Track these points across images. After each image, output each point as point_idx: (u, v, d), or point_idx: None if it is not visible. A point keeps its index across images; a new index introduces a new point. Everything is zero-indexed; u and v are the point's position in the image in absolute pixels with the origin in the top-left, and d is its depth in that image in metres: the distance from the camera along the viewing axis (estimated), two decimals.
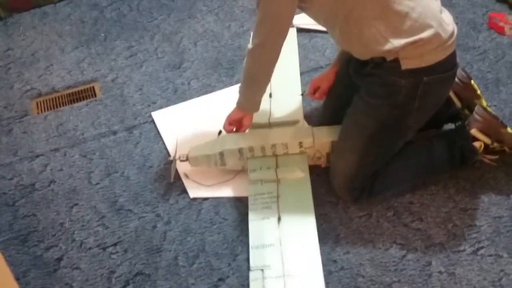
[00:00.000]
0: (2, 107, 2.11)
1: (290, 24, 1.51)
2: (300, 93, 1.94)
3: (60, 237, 1.66)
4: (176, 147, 1.72)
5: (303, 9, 1.55)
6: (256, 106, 1.69)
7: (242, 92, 1.67)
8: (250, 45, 1.54)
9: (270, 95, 1.90)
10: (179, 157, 1.70)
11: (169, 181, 1.73)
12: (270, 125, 1.80)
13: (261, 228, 1.54)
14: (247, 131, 1.75)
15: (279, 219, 1.55)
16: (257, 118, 1.78)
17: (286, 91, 1.94)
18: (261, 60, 1.57)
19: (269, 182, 1.64)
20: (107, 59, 2.28)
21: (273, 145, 1.67)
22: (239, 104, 1.69)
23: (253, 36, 1.53)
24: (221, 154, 1.67)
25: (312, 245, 1.49)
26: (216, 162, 1.69)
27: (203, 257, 1.57)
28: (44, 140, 1.97)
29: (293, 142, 1.67)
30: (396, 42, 1.41)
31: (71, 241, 1.64)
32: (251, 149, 1.67)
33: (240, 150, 1.67)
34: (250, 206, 1.59)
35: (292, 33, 2.16)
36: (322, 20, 1.58)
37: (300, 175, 1.64)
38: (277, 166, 1.67)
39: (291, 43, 2.17)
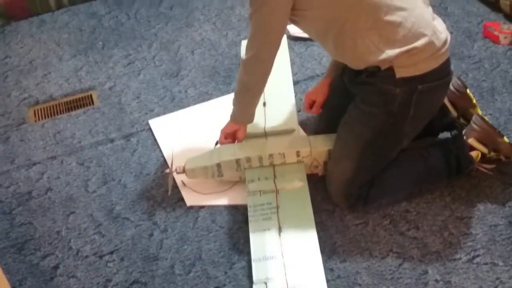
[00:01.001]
0: (0, 115, 2.12)
1: (283, 36, 1.53)
2: (294, 101, 1.95)
3: (57, 245, 1.65)
4: (172, 160, 1.72)
5: (295, 23, 1.56)
6: (250, 117, 1.71)
7: (236, 103, 1.68)
8: (243, 56, 1.56)
9: (264, 104, 1.90)
10: (176, 169, 1.70)
11: (167, 193, 1.72)
12: (266, 134, 1.81)
13: (262, 240, 1.53)
14: (243, 141, 1.76)
15: (280, 230, 1.54)
16: (252, 128, 1.78)
17: (280, 100, 1.95)
18: (255, 71, 1.58)
19: (268, 192, 1.63)
20: (105, 67, 2.29)
21: (271, 155, 1.68)
22: (233, 116, 1.71)
23: (246, 47, 1.54)
24: (218, 165, 1.67)
25: (314, 255, 1.49)
26: (213, 173, 1.69)
27: (199, 265, 1.57)
28: (41, 148, 1.97)
29: (291, 151, 1.68)
30: (390, 52, 1.42)
31: (68, 249, 1.64)
32: (248, 159, 1.68)
33: (237, 161, 1.67)
34: (250, 218, 1.58)
35: (283, 41, 2.17)
36: (314, 33, 1.60)
37: (298, 185, 1.65)
38: (275, 176, 1.67)
39: (283, 51, 2.17)
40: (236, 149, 1.71)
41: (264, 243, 1.52)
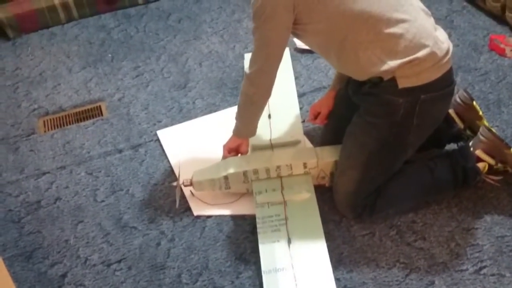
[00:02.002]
0: (10, 125, 2.14)
1: (284, 49, 1.55)
2: (299, 112, 1.96)
3: (65, 253, 1.67)
4: (180, 172, 1.72)
5: (297, 36, 1.59)
6: (253, 131, 1.73)
7: (239, 118, 1.70)
8: (247, 70, 1.58)
9: (269, 116, 1.91)
10: (183, 182, 1.70)
11: (174, 203, 1.72)
12: (272, 146, 1.82)
13: (272, 251, 1.53)
14: (249, 153, 1.77)
15: (289, 241, 1.54)
16: (258, 140, 1.80)
17: (284, 112, 1.95)
18: (260, 84, 1.60)
19: (276, 204, 1.64)
20: (114, 79, 2.32)
21: (278, 167, 1.68)
22: (236, 130, 1.72)
23: (250, 61, 1.57)
24: (226, 178, 1.68)
25: (324, 267, 1.49)
26: (220, 186, 1.70)
27: (206, 274, 1.57)
28: (50, 158, 1.99)
29: (298, 163, 1.68)
30: (392, 63, 1.43)
31: (76, 257, 1.65)
32: (255, 171, 1.68)
33: (244, 173, 1.68)
34: (258, 230, 1.58)
35: (286, 53, 2.20)
36: (316, 46, 1.62)
37: (306, 196, 1.65)
38: (282, 188, 1.67)
39: (286, 63, 2.19)
40: (243, 161, 1.72)
41: (273, 255, 1.52)
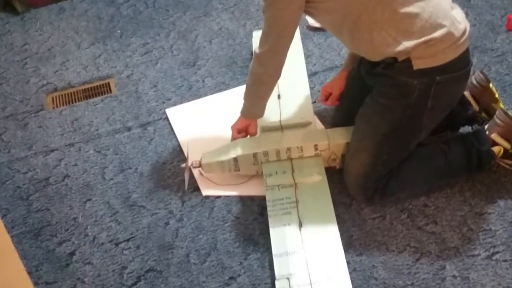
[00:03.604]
0: (18, 101, 2.13)
1: (296, 28, 1.51)
2: (309, 93, 1.92)
3: (73, 232, 1.66)
4: (188, 154, 1.70)
5: (310, 15, 1.54)
6: (261, 112, 1.70)
7: (247, 98, 1.67)
8: (257, 50, 1.54)
9: (279, 97, 1.88)
10: (192, 164, 1.68)
11: (183, 182, 1.70)
12: (281, 127, 1.79)
13: (283, 235, 1.51)
14: (258, 135, 1.74)
15: (300, 225, 1.53)
16: (268, 121, 1.77)
17: (294, 92, 1.92)
18: (270, 64, 1.56)
19: (287, 187, 1.62)
20: (123, 56, 2.29)
21: (288, 149, 1.66)
22: (244, 111, 1.69)
23: (260, 41, 1.52)
24: (235, 160, 1.66)
25: (336, 249, 1.48)
26: (230, 168, 1.67)
27: (214, 255, 1.57)
28: (59, 135, 1.98)
29: (308, 145, 1.66)
30: (408, 43, 1.39)
31: (84, 236, 1.65)
32: (265, 153, 1.66)
33: (254, 155, 1.66)
34: (269, 213, 1.56)
35: (296, 33, 2.16)
36: (329, 25, 1.57)
37: (317, 179, 1.63)
38: (293, 170, 1.65)
39: (296, 43, 2.14)
40: (253, 143, 1.70)
41: (285, 238, 1.50)
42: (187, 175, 1.68)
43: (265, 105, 1.69)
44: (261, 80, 1.61)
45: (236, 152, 1.66)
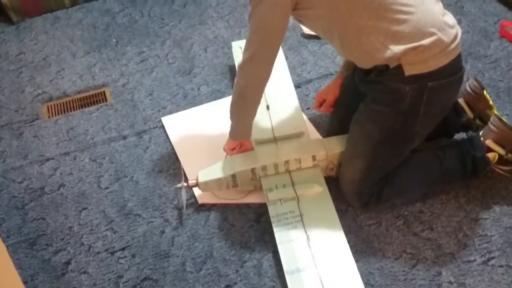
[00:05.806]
0: (13, 110, 2.13)
1: (282, 38, 1.47)
2: (297, 102, 1.91)
3: (69, 241, 1.66)
4: (184, 173, 1.68)
5: (300, 22, 1.55)
6: (247, 132, 1.67)
7: (233, 116, 1.62)
8: (240, 61, 1.50)
9: (268, 107, 1.87)
10: (189, 183, 1.66)
11: (181, 208, 1.69)
12: (275, 139, 1.77)
13: (291, 250, 1.49)
14: (254, 149, 1.72)
15: (308, 238, 1.51)
16: (261, 133, 1.76)
17: (283, 102, 1.90)
18: (251, 75, 1.51)
19: (289, 200, 1.60)
20: (118, 64, 2.29)
21: (286, 162, 1.65)
22: (232, 131, 1.66)
23: (244, 50, 1.48)
24: (233, 176, 1.64)
25: (347, 261, 1.47)
26: (228, 184, 1.65)
27: (210, 263, 1.56)
28: (54, 144, 1.97)
29: (306, 156, 1.65)
30: (396, 49, 1.39)
31: (80, 245, 1.64)
32: (264, 168, 1.64)
33: (252, 170, 1.64)
34: (275, 228, 1.54)
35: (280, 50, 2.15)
36: (320, 31, 1.57)
37: (318, 190, 1.62)
38: (293, 183, 1.64)
39: (279, 55, 2.13)
40: (250, 158, 1.67)
41: (294, 254, 1.48)
42: (184, 195, 1.65)
43: (250, 125, 1.64)
44: (243, 93, 1.56)
45: (234, 168, 1.64)
